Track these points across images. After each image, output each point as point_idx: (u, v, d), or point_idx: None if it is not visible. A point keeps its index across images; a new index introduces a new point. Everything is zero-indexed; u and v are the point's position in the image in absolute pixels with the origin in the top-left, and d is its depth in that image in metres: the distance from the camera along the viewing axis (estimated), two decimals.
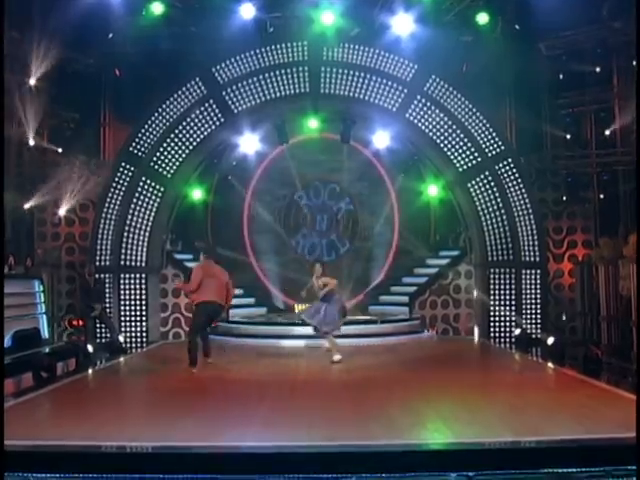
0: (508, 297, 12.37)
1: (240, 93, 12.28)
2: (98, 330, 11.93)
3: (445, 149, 12.46)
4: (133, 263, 12.37)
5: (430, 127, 12.38)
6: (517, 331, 12.09)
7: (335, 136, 13.07)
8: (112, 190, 12.32)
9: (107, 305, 12.09)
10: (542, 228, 12.31)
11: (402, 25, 11.70)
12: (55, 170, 12.02)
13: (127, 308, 12.30)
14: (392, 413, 5.93)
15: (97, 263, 12.23)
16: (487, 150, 12.41)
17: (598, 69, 12.03)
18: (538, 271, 12.24)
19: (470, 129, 12.31)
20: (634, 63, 10.48)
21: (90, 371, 8.78)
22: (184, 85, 12.19)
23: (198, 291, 8.54)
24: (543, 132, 12.39)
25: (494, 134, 12.35)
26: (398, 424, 5.54)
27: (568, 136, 12.35)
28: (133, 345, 11.83)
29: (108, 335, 11.77)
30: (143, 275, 12.42)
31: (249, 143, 12.85)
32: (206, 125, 12.36)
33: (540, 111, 12.36)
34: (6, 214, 10.04)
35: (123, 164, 12.38)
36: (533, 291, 12.22)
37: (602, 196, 12.42)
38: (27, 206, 11.80)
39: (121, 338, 11.69)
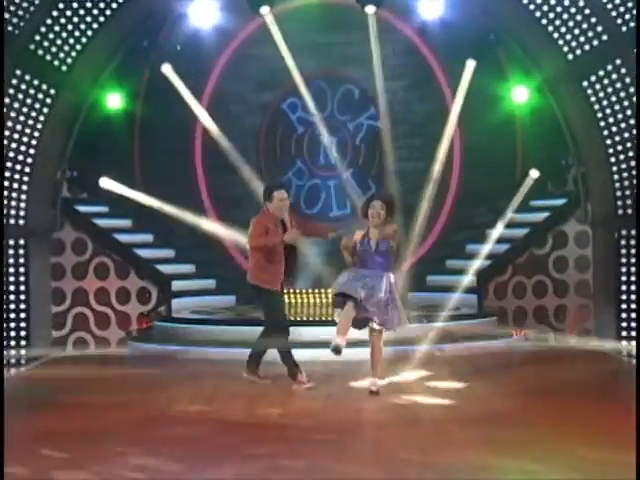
0: None
1: None
2: None
3: (544, 21, 12.42)
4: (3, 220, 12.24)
5: None
6: None
7: (351, 0, 13.07)
8: None
9: None
10: None
11: None
12: None
13: None
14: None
15: None
16: (620, 21, 12.21)
17: None
18: None
19: None
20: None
21: None
22: None
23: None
24: None
25: None
26: None
27: None
28: (4, 362, 11.27)
29: None
30: (20, 241, 12.41)
31: (203, 13, 12.91)
32: None
33: None
34: None
35: None
36: None
37: None
38: None
39: None
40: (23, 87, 12.23)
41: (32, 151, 12.32)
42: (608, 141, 12.45)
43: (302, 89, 13.87)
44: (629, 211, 12.53)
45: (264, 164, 14.84)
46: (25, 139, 12.30)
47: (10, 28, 12.06)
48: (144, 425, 7.63)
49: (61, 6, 12.23)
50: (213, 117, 14.44)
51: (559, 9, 12.34)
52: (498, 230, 13.76)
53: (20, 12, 12.08)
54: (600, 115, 12.42)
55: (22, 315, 12.30)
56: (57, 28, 12.24)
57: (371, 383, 8.65)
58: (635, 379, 8.28)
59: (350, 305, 8.50)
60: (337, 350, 8.45)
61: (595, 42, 12.33)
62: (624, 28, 12.18)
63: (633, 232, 12.47)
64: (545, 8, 12.37)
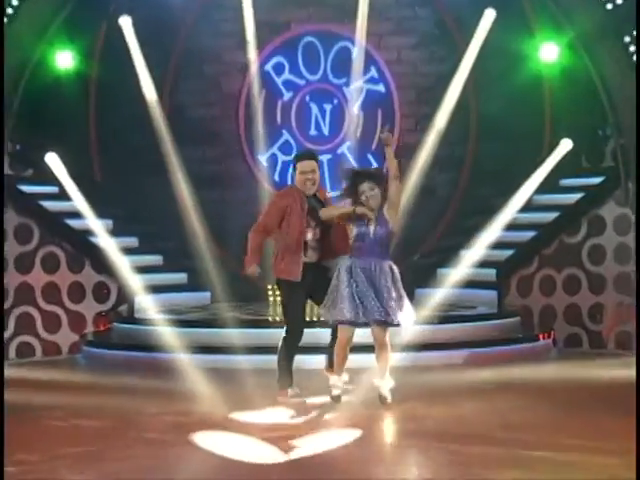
0: None
1: None
2: None
3: None
4: None
5: None
6: None
7: None
8: None
9: None
10: None
11: None
12: None
13: None
14: None
15: None
16: None
17: None
18: None
19: None
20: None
21: None
22: None
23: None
24: None
25: None
26: None
27: None
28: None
29: None
30: None
31: None
32: None
33: None
34: None
35: None
36: None
37: None
38: None
39: None
40: None
41: None
42: None
43: None
44: None
45: (245, 135, 14.81)
46: None
47: None
48: (91, 452, 7.43)
49: None
50: (186, 79, 14.74)
51: None
52: (522, 215, 13.75)
53: None
54: None
55: None
56: None
57: (381, 388, 8.65)
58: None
59: (345, 331, 8.57)
60: (337, 399, 8.77)
61: None
62: None
63: None
64: None
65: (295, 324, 9.01)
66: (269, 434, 7.73)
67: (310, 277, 8.91)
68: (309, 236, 8.88)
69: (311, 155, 9.16)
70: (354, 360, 9.20)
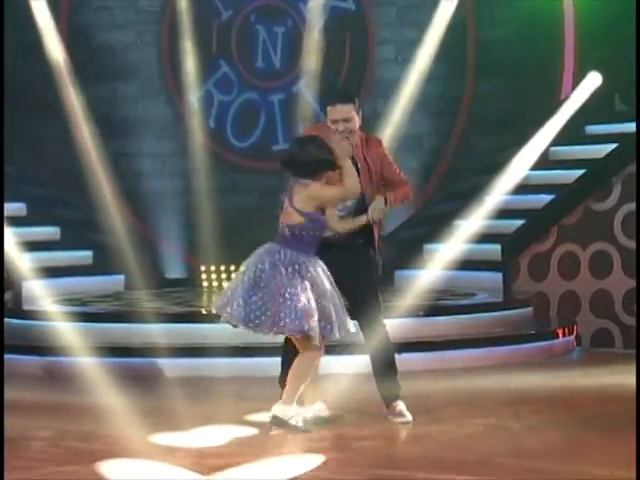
0: None
1: None
2: None
3: None
4: None
5: None
6: None
7: None
8: None
9: None
10: None
11: None
12: None
13: None
14: None
15: None
16: None
17: None
18: None
19: None
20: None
21: None
22: None
23: None
24: None
25: None
26: None
27: None
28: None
29: None
30: None
31: None
32: None
33: None
34: None
35: None
36: None
37: None
38: None
39: None
40: None
41: None
42: None
43: None
44: None
45: (169, 68, 14.79)
46: None
47: None
48: None
49: None
50: None
51: None
52: (535, 174, 14.03)
53: None
54: None
55: None
56: None
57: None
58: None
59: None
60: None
61: None
62: None
63: None
64: None
65: None
66: (199, 462, 7.70)
67: (340, 264, 8.72)
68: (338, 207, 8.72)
69: (344, 96, 8.79)
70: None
